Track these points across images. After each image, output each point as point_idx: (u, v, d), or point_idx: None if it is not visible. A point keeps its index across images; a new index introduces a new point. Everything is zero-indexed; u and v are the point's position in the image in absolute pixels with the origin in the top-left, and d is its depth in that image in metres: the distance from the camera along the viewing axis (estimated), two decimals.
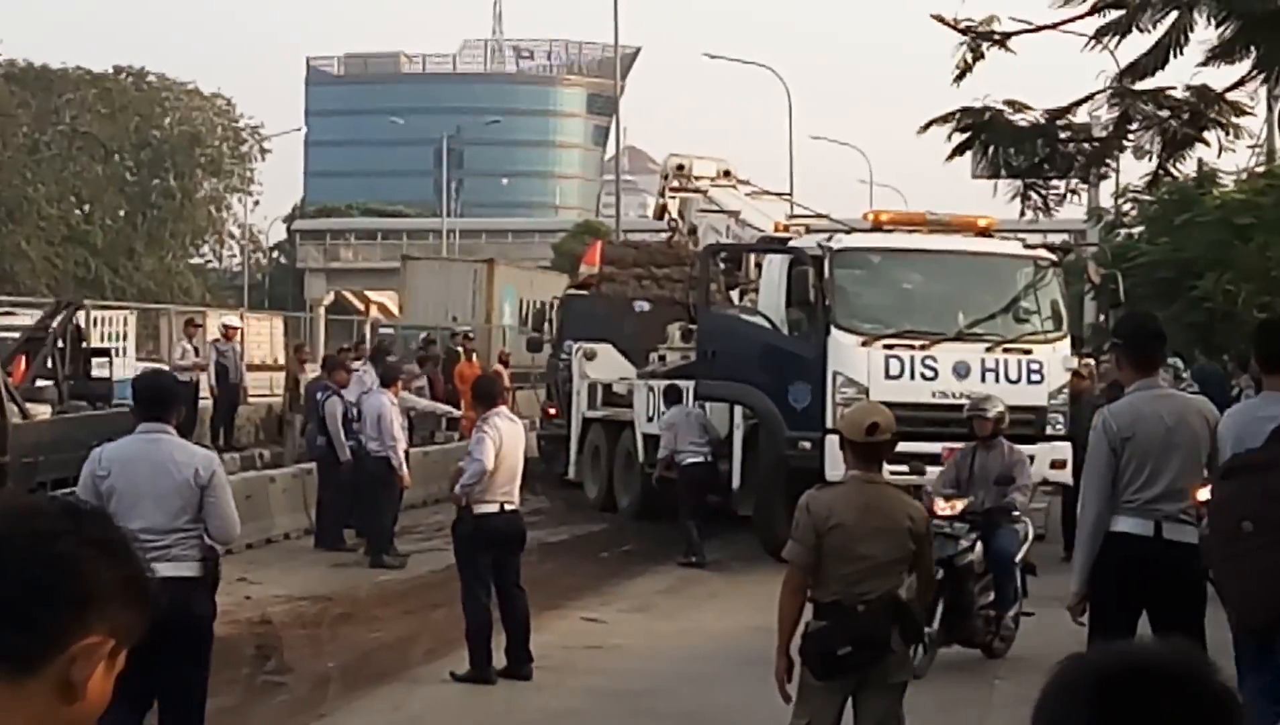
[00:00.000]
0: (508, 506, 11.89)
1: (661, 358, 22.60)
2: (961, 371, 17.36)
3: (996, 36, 13.63)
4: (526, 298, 43.17)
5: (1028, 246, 19.01)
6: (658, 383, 21.36)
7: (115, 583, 2.05)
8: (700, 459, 18.67)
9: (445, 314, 40.72)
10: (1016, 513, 12.33)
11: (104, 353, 23.64)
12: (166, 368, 23.11)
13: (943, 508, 11.82)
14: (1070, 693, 1.88)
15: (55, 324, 20.57)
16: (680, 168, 24.81)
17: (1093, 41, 13.59)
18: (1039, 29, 13.67)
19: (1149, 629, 7.80)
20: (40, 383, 19.87)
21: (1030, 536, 12.62)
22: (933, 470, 14.00)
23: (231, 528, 8.24)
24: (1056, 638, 7.94)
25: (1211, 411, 8.12)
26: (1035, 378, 17.60)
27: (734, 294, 21.35)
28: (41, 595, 1.99)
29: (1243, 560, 6.80)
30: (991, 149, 14.25)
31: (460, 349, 31.11)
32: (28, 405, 17.81)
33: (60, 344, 20.43)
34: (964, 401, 17.14)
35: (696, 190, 24.39)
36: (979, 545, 11.92)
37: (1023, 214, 15.17)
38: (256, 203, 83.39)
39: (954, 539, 11.63)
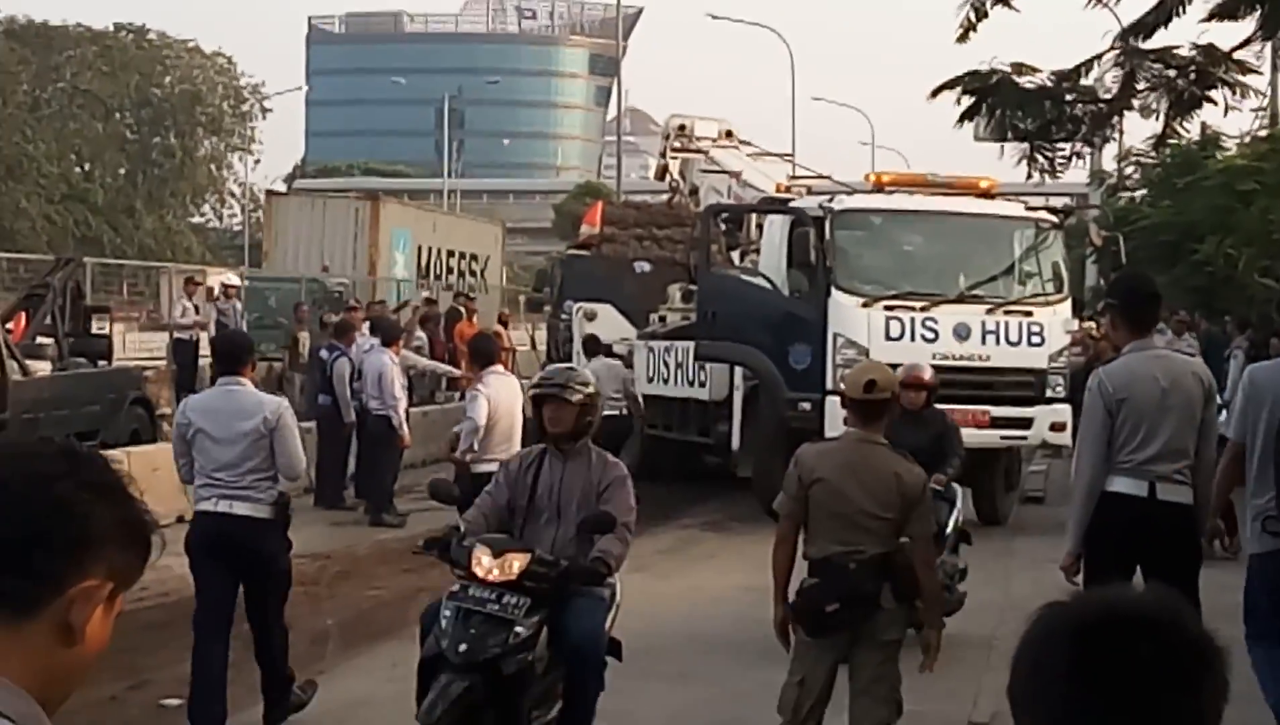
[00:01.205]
0: None
1: (662, 318, 22.58)
2: (962, 333, 17.34)
3: None
4: (429, 245, 38.97)
5: (1030, 209, 18.97)
6: (658, 343, 21.35)
7: (113, 525, 2.05)
8: (616, 412, 18.62)
9: (318, 263, 35.04)
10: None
11: (103, 310, 23.64)
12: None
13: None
14: (1049, 639, 1.88)
15: (55, 281, 20.57)
16: (682, 128, 24.75)
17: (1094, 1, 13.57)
18: None
19: None
20: (40, 340, 19.88)
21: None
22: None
23: (297, 464, 9.18)
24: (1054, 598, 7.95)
25: (1206, 373, 8.13)
26: (1036, 340, 17.58)
27: (735, 255, 21.32)
28: (38, 539, 2.00)
29: None
30: (999, 112, 14.24)
31: (462, 308, 31.07)
32: (28, 362, 17.81)
33: (60, 301, 20.44)
34: (966, 363, 17.25)
35: (698, 151, 24.33)
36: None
37: (1029, 176, 15.19)
38: (257, 162, 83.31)
39: None
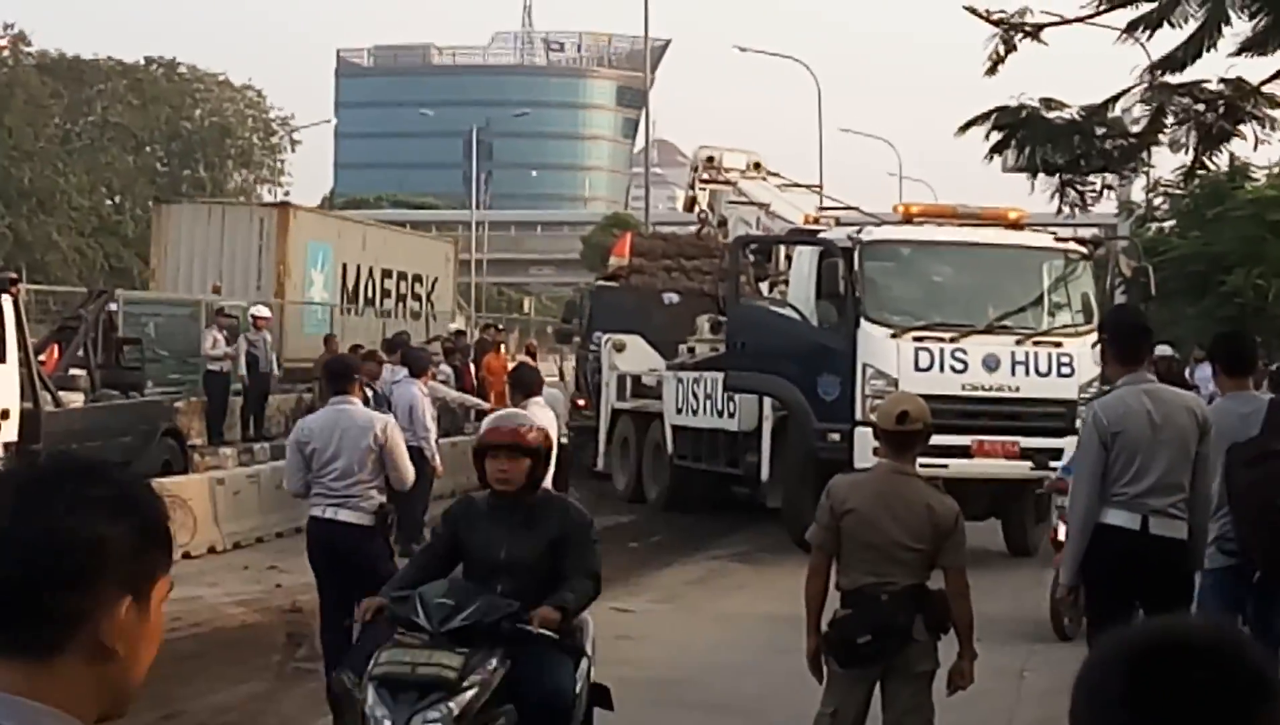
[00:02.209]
0: None
1: (691, 350, 22.62)
2: (991, 364, 17.35)
3: (1029, 29, 13.64)
4: (357, 263, 33.83)
5: (1059, 240, 18.98)
6: (687, 374, 21.39)
7: (123, 538, 2.00)
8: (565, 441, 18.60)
9: (209, 281, 30.11)
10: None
11: (135, 342, 23.76)
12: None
13: None
14: (1106, 666, 1.90)
15: (88, 313, 20.70)
16: (710, 160, 24.82)
17: (1125, 34, 13.59)
18: (1071, 21, 13.66)
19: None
20: (73, 371, 19.99)
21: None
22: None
23: (407, 475, 10.20)
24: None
25: (1200, 407, 8.19)
26: (1065, 371, 17.57)
27: (764, 286, 21.36)
28: (43, 580, 1.95)
29: (1276, 529, 7.77)
30: (1028, 147, 14.28)
31: (490, 340, 31.12)
32: (60, 393, 17.91)
33: (92, 333, 20.57)
34: (994, 394, 17.26)
35: (726, 182, 24.39)
36: None
37: (1060, 211, 15.20)
38: (286, 194, 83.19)
39: None
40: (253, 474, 19.30)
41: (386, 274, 35.30)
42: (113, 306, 22.57)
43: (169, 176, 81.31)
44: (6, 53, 73.97)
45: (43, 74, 74.40)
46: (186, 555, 16.46)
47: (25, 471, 2.05)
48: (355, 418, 10.09)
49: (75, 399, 18.66)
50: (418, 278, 37.07)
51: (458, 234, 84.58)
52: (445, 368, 25.65)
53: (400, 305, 36.09)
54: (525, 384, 12.44)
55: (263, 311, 27.00)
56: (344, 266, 33.16)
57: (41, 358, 18.08)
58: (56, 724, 1.94)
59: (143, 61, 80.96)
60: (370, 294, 34.59)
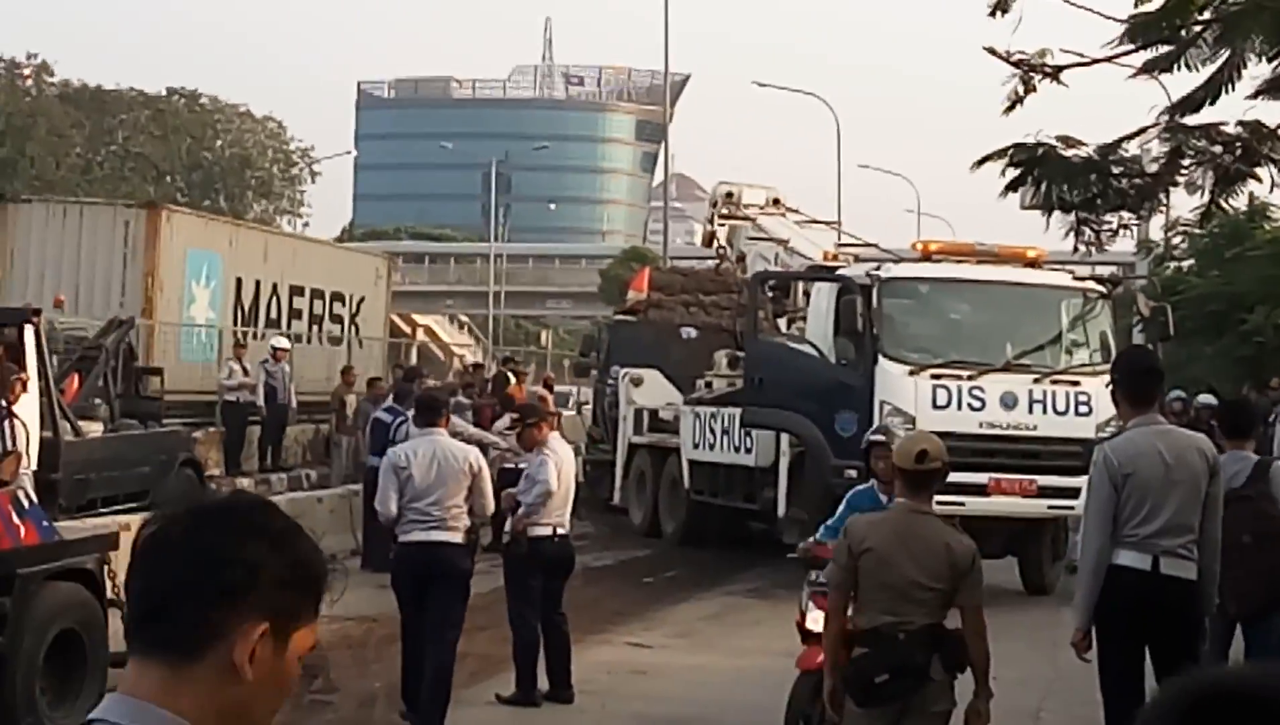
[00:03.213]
0: (559, 531, 11.96)
1: (708, 384, 22.64)
2: (1009, 402, 17.35)
3: (1048, 70, 13.66)
4: (257, 278, 29.34)
5: (1077, 278, 18.99)
6: (705, 409, 21.41)
7: (274, 570, 2.17)
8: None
9: (64, 291, 24.94)
10: None
11: (156, 371, 23.80)
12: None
13: None
14: (1160, 716, 1.90)
15: (108, 343, 20.76)
16: (729, 195, 24.87)
17: (1139, 73, 13.61)
18: (1091, 63, 13.69)
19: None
20: (93, 400, 20.05)
21: None
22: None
23: (490, 504, 11.15)
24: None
25: (1210, 448, 8.21)
26: (1083, 409, 17.56)
27: (782, 322, 21.38)
28: (190, 589, 2.14)
29: (1241, 565, 8.68)
30: (1045, 185, 14.29)
31: (509, 373, 31.07)
32: (80, 422, 17.97)
33: (112, 363, 20.62)
34: (1012, 432, 17.25)
35: (745, 218, 24.43)
36: None
37: (1076, 249, 15.21)
38: (306, 225, 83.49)
39: None
40: None
41: (297, 291, 30.99)
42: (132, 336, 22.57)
43: (189, 207, 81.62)
44: (30, 82, 74.41)
45: (65, 103, 74.78)
46: None
47: (209, 502, 2.30)
48: (451, 447, 11.01)
49: (94, 428, 18.72)
50: (337, 296, 32.64)
51: (475, 266, 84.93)
52: (463, 399, 25.69)
53: (315, 328, 31.92)
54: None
55: (282, 342, 27.03)
56: (238, 281, 28.87)
57: (62, 387, 18.14)
58: None
59: (165, 92, 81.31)
60: (274, 314, 30.17)
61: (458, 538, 10.82)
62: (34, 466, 14.94)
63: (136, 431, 20.21)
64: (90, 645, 10.09)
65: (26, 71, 74.47)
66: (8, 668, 9.51)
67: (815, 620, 8.41)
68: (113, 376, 20.61)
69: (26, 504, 10.87)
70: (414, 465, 10.75)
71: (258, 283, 29.51)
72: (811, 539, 9.34)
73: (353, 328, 33.15)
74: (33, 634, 9.73)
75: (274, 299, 30.16)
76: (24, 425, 14.36)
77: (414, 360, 46.08)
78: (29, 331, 15.77)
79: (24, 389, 14.92)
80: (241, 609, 2.14)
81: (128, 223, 26.70)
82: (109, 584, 10.38)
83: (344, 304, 32.86)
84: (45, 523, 10.72)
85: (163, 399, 22.91)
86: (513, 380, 29.76)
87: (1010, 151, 13.93)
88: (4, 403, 14.12)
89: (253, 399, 25.86)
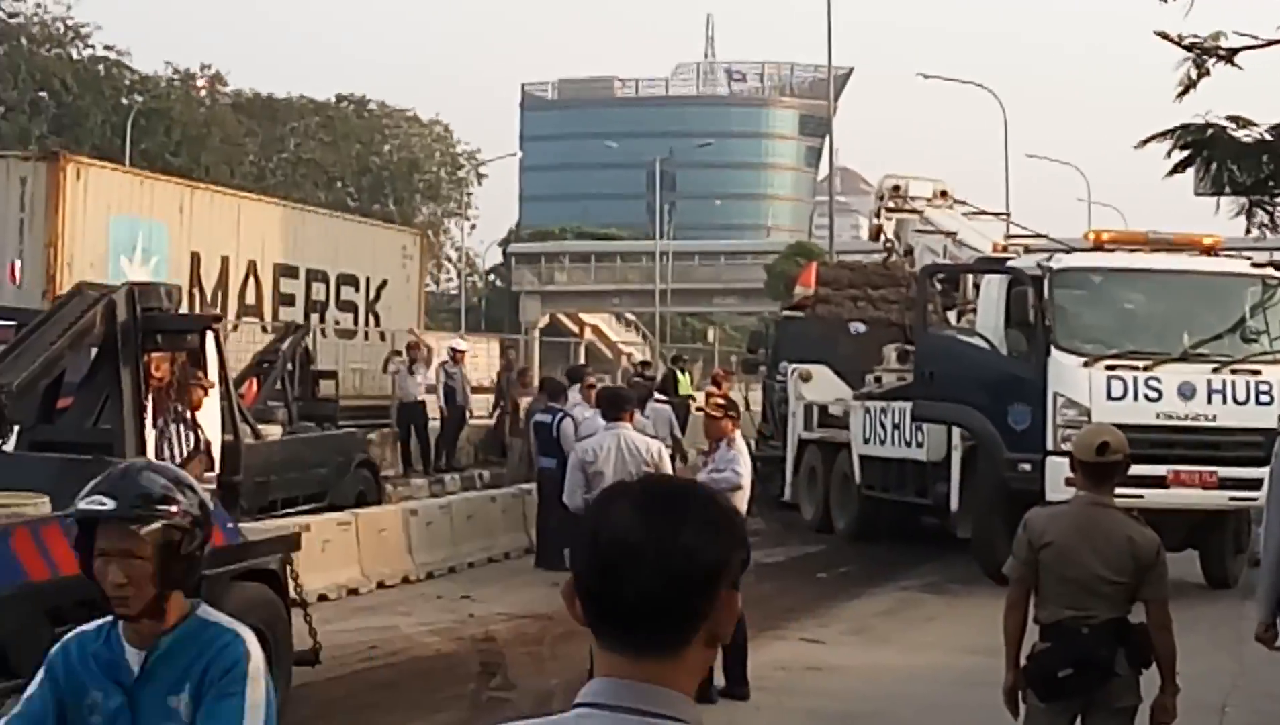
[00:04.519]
0: None
1: (878, 379, 22.51)
2: (1187, 392, 17.04)
3: (1223, 53, 13.39)
4: (222, 255, 24.22)
5: (1255, 265, 18.60)
6: (875, 404, 21.30)
7: (730, 551, 2.36)
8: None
9: None
10: None
11: (331, 374, 24.21)
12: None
13: None
14: None
15: (285, 347, 21.19)
16: (896, 188, 24.69)
17: None
18: (1268, 44, 13.40)
19: None
20: (271, 404, 20.48)
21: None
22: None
23: None
24: None
25: None
26: (1264, 399, 17.20)
27: (951, 315, 21.20)
28: (682, 591, 2.31)
29: None
30: (1214, 166, 13.99)
31: (677, 371, 31.16)
32: (260, 426, 18.36)
33: (289, 367, 21.05)
34: (1190, 423, 16.94)
35: (913, 211, 24.24)
36: None
37: (1249, 231, 14.88)
38: (473, 227, 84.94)
39: None
40: (444, 504, 19.61)
41: (288, 272, 26.02)
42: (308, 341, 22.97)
43: (359, 211, 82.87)
44: (204, 93, 76.09)
45: (238, 113, 76.39)
46: (381, 585, 16.77)
47: (639, 494, 2.40)
48: (635, 441, 11.38)
49: (273, 431, 19.12)
50: (348, 280, 27.47)
51: (642, 265, 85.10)
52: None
53: (316, 316, 26.58)
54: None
55: (461, 344, 27.36)
56: (194, 257, 23.50)
57: (241, 391, 18.54)
58: (689, 708, 2.37)
59: (334, 99, 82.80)
60: (250, 300, 25.15)
61: None
62: (217, 470, 15.28)
63: (314, 433, 20.61)
64: (275, 644, 10.31)
65: (201, 83, 76.18)
66: None
67: None
68: (290, 380, 21.04)
69: (212, 506, 11.11)
70: (601, 460, 11.17)
71: (224, 260, 24.36)
72: None
73: (371, 316, 28.45)
74: None
75: (250, 281, 25.09)
76: (205, 430, 14.69)
77: (581, 359, 46.38)
78: (210, 338, 16.12)
79: (206, 394, 15.25)
80: (718, 593, 2.33)
81: (24, 179, 21.42)
82: (291, 584, 10.59)
83: (357, 289, 27.96)
84: (230, 524, 10.96)
85: (338, 402, 23.32)
86: (680, 377, 29.90)
87: (1178, 132, 13.66)
88: (189, 408, 14.44)
89: (423, 401, 26.18)
